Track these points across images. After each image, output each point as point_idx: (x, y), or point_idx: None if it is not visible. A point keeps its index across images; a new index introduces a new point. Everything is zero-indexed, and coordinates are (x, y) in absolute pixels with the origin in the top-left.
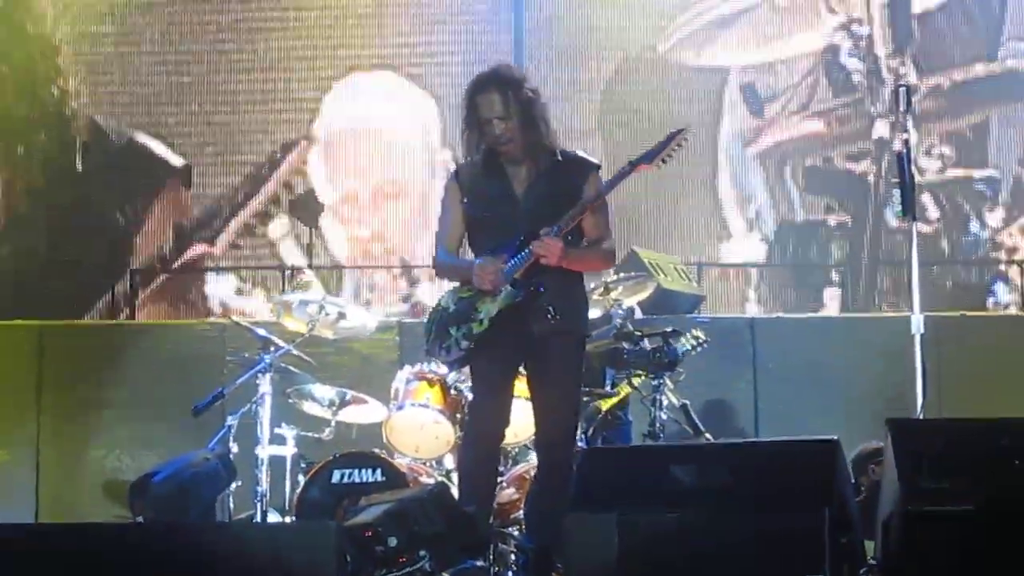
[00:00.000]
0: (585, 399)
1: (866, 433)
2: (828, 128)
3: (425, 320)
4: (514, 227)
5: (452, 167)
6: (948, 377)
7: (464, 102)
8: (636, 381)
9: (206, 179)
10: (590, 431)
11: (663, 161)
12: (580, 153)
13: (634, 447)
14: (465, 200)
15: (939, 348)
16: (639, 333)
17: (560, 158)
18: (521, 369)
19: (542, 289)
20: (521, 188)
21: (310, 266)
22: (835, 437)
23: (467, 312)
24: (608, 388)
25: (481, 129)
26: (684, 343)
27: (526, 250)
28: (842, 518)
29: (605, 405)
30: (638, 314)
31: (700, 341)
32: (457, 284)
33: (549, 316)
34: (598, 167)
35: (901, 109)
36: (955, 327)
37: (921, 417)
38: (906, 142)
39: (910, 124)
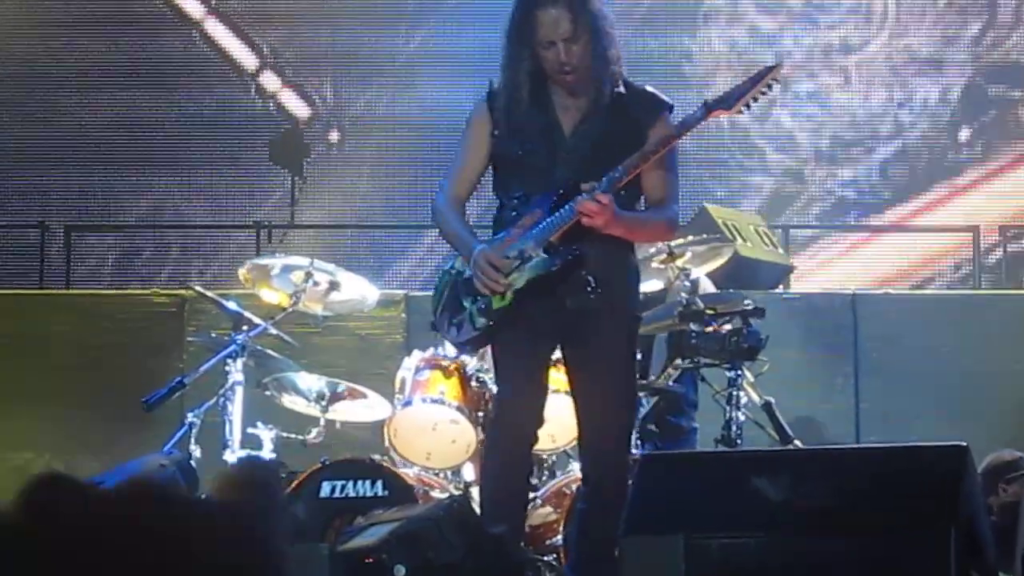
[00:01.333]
0: None
1: (1001, 444)
2: None
3: (435, 286)
4: (552, 172)
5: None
6: None
7: (516, 16)
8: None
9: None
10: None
11: (747, 106)
12: (650, 88)
13: (705, 453)
14: (496, 132)
15: None
16: (711, 312)
17: (624, 91)
18: (558, 354)
19: (581, 257)
20: (570, 124)
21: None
22: (963, 443)
23: None
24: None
25: (536, 51)
26: None
27: (567, 206)
28: (972, 542)
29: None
30: (707, 287)
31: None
32: None
33: (589, 289)
34: (671, 107)
35: None
36: None
37: None
38: None
39: None
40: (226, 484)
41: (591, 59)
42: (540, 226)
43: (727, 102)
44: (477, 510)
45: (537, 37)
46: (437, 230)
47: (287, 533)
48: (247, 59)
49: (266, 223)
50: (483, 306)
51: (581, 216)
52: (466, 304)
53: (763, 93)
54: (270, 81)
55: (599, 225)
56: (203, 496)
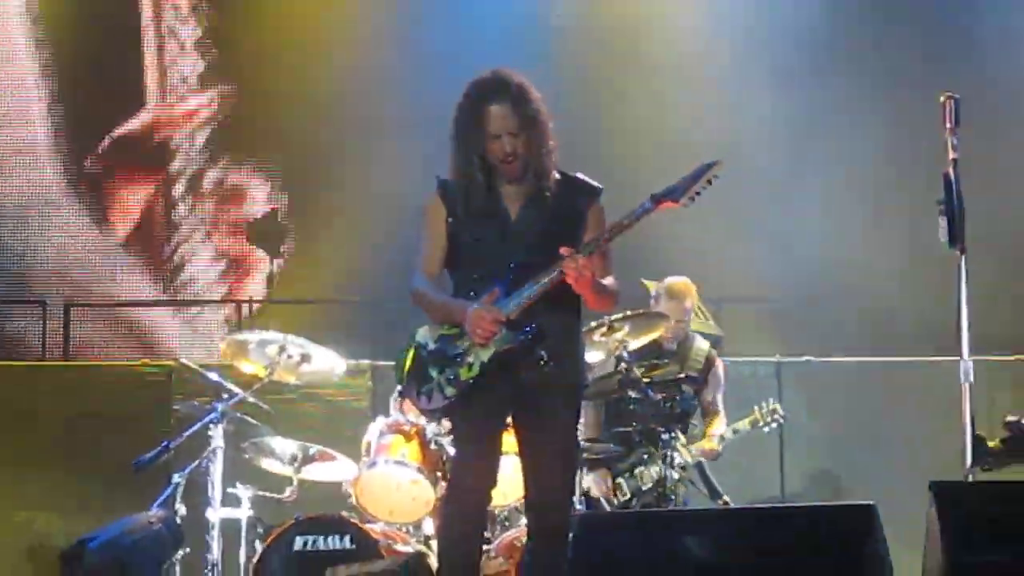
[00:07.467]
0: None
1: (917, 499)
2: None
3: (399, 355)
4: (504, 252)
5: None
6: None
7: (466, 110)
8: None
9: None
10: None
11: (691, 199)
12: (581, 176)
13: (639, 513)
14: (451, 219)
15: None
16: (647, 380)
17: (559, 176)
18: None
19: (542, 332)
20: (515, 208)
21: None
22: (871, 502)
23: (451, 353)
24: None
25: (483, 142)
26: (756, 417)
27: (528, 284)
28: None
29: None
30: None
31: (776, 417)
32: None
33: (542, 363)
34: (601, 191)
35: (948, 124)
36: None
37: (971, 479)
38: (954, 162)
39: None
40: None
41: (533, 150)
42: (507, 299)
43: (674, 194)
44: (433, 563)
45: (487, 129)
46: (420, 309)
47: None
48: None
49: (247, 299)
50: (452, 377)
51: (569, 277)
52: (433, 374)
53: (706, 187)
54: None
55: (585, 281)
56: None
